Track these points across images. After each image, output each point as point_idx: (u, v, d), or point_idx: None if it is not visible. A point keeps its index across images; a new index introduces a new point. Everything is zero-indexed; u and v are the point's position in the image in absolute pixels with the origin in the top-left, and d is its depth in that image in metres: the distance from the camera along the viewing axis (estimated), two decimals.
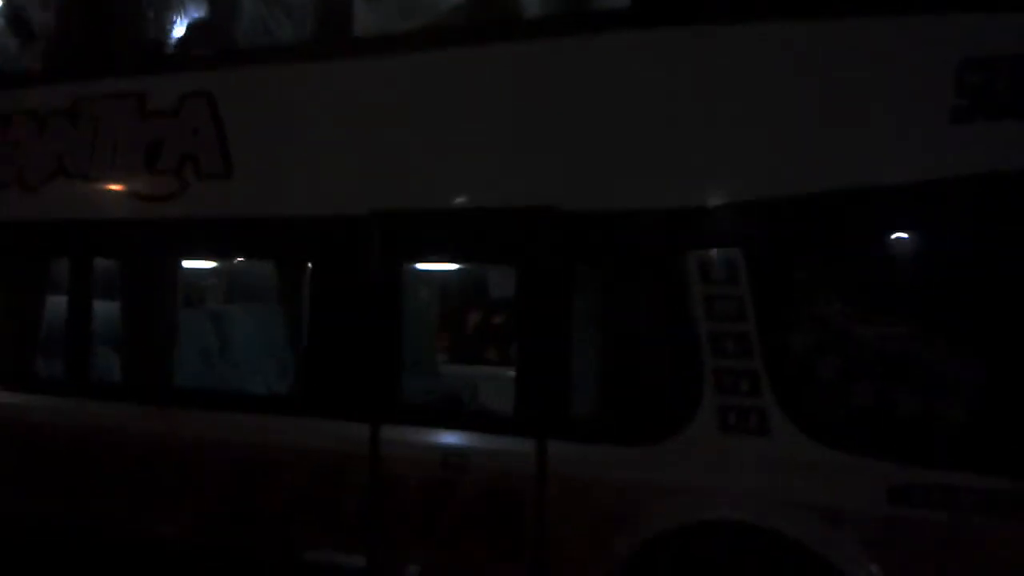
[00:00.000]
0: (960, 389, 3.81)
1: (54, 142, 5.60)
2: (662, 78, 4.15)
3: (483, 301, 4.85)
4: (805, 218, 3.90)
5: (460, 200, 4.51)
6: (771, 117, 3.97)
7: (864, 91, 3.85)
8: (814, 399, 3.88)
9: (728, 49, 4.05)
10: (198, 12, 5.60)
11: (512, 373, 4.44)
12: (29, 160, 5.68)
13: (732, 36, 4.04)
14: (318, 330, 4.84)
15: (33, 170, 5.66)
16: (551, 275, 4.30)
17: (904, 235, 3.93)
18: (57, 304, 5.77)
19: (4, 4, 6.03)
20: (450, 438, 4.49)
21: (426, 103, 4.59)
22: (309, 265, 4.89)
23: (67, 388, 5.50)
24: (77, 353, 5.49)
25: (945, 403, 3.82)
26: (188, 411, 5.14)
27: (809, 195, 3.88)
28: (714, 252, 4.00)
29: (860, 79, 3.85)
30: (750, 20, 4.01)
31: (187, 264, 5.74)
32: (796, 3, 3.96)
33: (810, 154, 3.91)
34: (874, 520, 3.71)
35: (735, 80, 4.04)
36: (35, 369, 5.81)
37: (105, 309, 5.77)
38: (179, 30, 5.54)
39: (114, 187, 5.41)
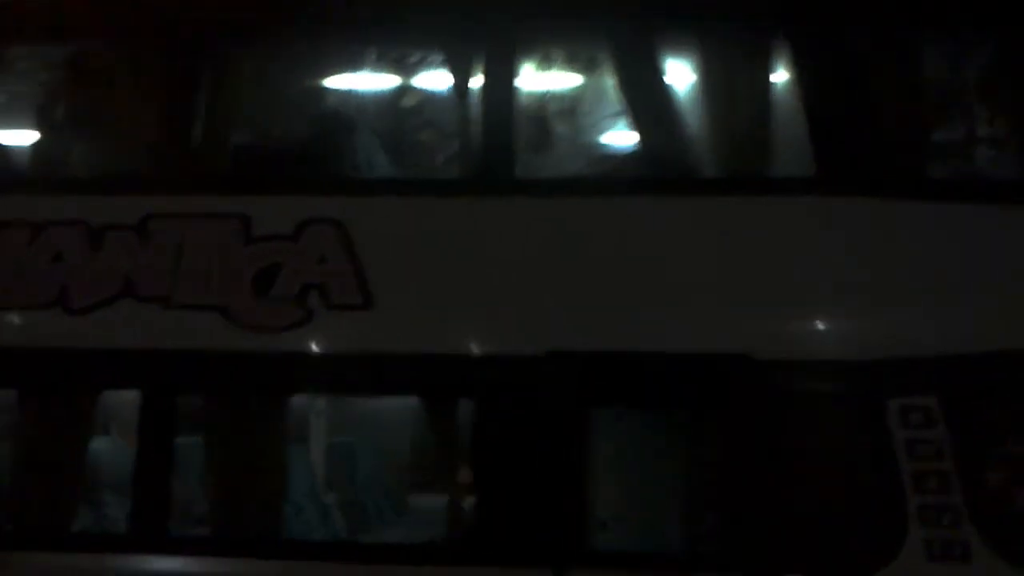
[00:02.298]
0: None
1: (115, 260, 4.99)
2: (861, 241, 4.67)
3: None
4: (993, 369, 4.58)
5: (648, 343, 4.70)
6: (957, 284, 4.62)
7: None
8: (1011, 527, 4.53)
9: (913, 221, 4.67)
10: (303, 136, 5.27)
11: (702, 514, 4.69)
12: (77, 279, 5.00)
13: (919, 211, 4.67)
14: (489, 472, 4.73)
15: (83, 291, 4.99)
16: (750, 421, 4.61)
17: None
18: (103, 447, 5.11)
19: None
20: None
21: (611, 245, 4.75)
22: (474, 404, 4.79)
23: (138, 544, 4.85)
24: (154, 503, 4.86)
25: None
26: (310, 565, 4.78)
27: (995, 351, 4.57)
28: (913, 399, 4.58)
29: None
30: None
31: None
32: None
33: (993, 316, 4.60)
34: None
35: (921, 250, 4.65)
36: (84, 524, 5.06)
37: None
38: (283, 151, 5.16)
39: (208, 315, 4.94)
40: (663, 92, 5.03)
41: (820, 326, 4.68)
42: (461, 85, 5.09)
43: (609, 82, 5.08)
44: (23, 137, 5.44)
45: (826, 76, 4.84)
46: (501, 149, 4.91)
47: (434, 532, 5.26)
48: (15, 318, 5.01)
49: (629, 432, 4.78)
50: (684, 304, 4.72)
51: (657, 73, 5.04)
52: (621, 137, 5.11)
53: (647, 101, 5.04)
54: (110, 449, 5.43)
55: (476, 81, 5.04)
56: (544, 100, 5.20)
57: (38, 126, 5.40)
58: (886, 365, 4.60)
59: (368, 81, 5.39)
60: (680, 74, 5.11)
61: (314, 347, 4.82)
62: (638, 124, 5.04)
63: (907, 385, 4.59)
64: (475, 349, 4.77)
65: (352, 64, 5.36)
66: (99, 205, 5.02)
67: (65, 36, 5.28)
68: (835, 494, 4.69)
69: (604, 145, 5.26)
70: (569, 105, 5.19)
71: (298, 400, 5.30)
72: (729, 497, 4.66)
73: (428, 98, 5.37)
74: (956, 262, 4.70)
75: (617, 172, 5.16)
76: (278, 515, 5.04)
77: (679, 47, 5.11)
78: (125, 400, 5.21)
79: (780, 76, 4.92)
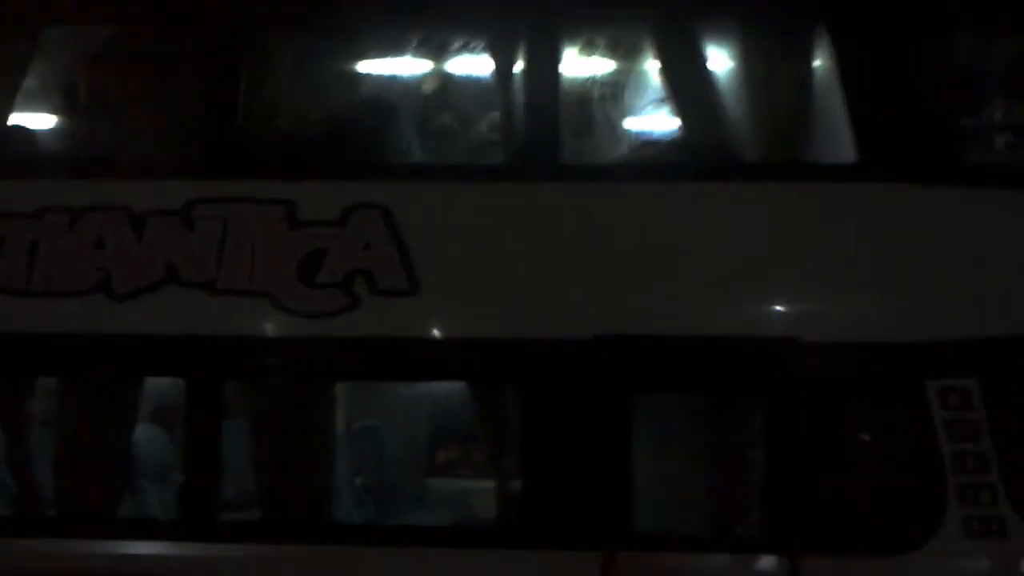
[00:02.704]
0: None
1: (157, 246, 4.98)
2: (901, 226, 4.77)
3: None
4: None
5: (694, 327, 4.78)
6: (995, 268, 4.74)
7: None
8: None
9: (951, 206, 4.78)
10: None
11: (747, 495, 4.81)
12: (120, 265, 4.99)
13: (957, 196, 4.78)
14: (536, 456, 4.80)
15: (127, 276, 4.98)
16: (796, 403, 4.71)
17: None
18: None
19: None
20: (692, 562, 4.72)
21: (656, 231, 4.83)
22: (521, 388, 4.86)
23: (186, 532, 4.88)
24: (202, 490, 4.89)
25: None
26: (359, 549, 4.83)
27: None
28: (952, 381, 4.71)
29: None
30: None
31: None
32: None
33: None
34: None
35: (959, 234, 4.76)
36: (126, 512, 5.10)
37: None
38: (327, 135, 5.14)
39: (253, 301, 4.94)
40: (705, 78, 5.10)
41: (862, 309, 4.80)
42: (505, 71, 5.13)
43: (652, 68, 5.17)
44: (62, 121, 5.43)
45: (866, 62, 4.97)
46: (546, 135, 4.95)
47: (483, 516, 5.31)
48: (56, 304, 5.00)
49: (675, 415, 4.89)
50: (730, 288, 4.81)
51: (699, 59, 5.12)
52: (665, 123, 5.19)
53: (689, 87, 5.11)
54: (153, 436, 5.45)
55: (520, 67, 5.08)
56: (588, 86, 5.28)
57: (77, 110, 5.38)
58: (926, 347, 4.75)
59: (411, 66, 5.42)
60: (722, 60, 5.20)
61: (361, 333, 4.89)
62: (680, 110, 5.12)
63: (946, 367, 4.75)
64: (521, 334, 4.83)
65: (395, 49, 5.38)
66: (142, 190, 5.05)
67: (105, 18, 5.26)
68: (877, 473, 4.85)
69: (648, 131, 5.32)
70: (613, 91, 5.25)
71: (341, 385, 5.33)
72: (774, 478, 4.78)
73: (471, 84, 5.39)
74: (993, 247, 4.83)
75: (661, 158, 5.20)
76: (327, 500, 5.07)
77: (720, 33, 5.19)
78: (165, 387, 5.28)
79: (821, 62, 5.04)
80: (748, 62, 5.14)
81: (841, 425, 4.82)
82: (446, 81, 5.49)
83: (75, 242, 5.00)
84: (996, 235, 4.81)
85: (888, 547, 4.67)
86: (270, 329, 4.94)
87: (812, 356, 4.71)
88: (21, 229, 5.04)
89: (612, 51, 5.26)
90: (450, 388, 5.45)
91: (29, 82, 5.28)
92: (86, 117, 5.36)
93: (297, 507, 5.02)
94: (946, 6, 5.00)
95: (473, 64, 5.34)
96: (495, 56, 5.22)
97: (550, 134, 4.96)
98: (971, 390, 4.72)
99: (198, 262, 4.94)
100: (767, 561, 4.66)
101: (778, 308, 4.80)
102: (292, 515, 5.02)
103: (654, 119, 5.22)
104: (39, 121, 5.48)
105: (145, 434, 5.32)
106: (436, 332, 4.88)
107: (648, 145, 5.28)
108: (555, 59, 5.01)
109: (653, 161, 5.19)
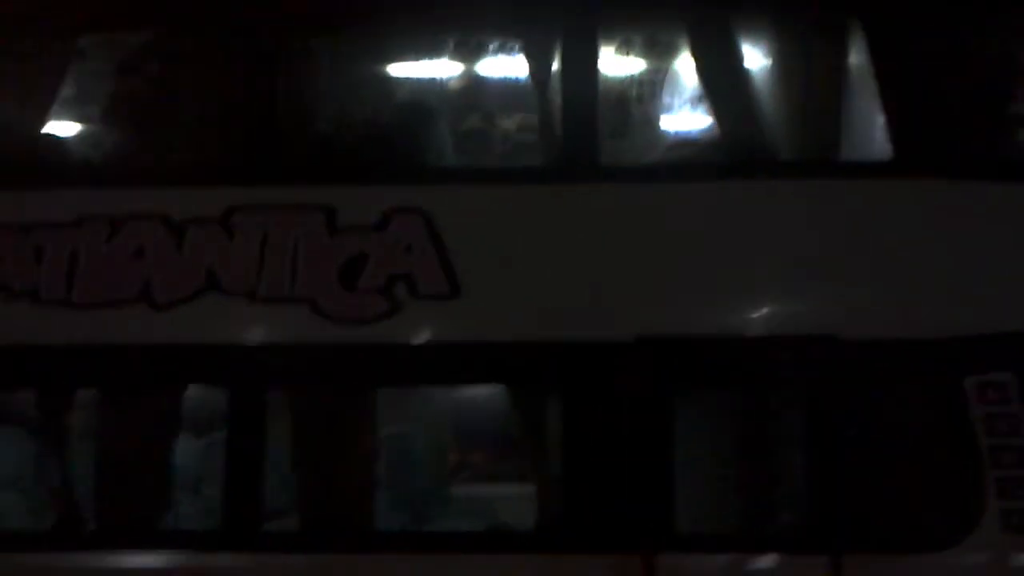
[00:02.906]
0: None
1: (198, 254, 5.00)
2: (936, 223, 4.80)
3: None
4: None
5: (735, 327, 4.83)
6: None
7: None
8: None
9: (986, 201, 4.81)
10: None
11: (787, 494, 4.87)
12: (160, 274, 5.01)
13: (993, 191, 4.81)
14: (577, 458, 4.86)
15: (168, 286, 5.00)
16: (835, 400, 4.77)
17: None
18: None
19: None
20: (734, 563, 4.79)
21: (694, 231, 4.86)
22: (563, 391, 4.90)
23: (235, 542, 4.89)
24: (249, 503, 4.91)
25: None
26: (400, 556, 4.88)
27: None
28: (990, 376, 4.75)
29: None
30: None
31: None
32: None
33: None
34: None
35: (992, 230, 4.79)
36: (169, 524, 5.17)
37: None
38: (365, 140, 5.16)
39: (295, 308, 4.97)
40: (741, 76, 5.11)
41: (900, 306, 4.83)
42: (542, 72, 5.14)
43: (688, 67, 5.18)
44: (99, 129, 5.43)
45: (901, 59, 4.98)
46: (584, 137, 4.96)
47: (523, 520, 5.29)
48: (97, 315, 5.04)
49: (716, 415, 4.94)
50: (769, 286, 4.87)
51: (734, 56, 5.12)
52: (702, 122, 5.21)
53: (725, 85, 5.12)
54: (193, 446, 5.49)
55: (557, 68, 5.09)
56: (626, 86, 5.29)
57: (115, 118, 5.37)
58: (964, 343, 4.80)
59: (448, 69, 5.42)
60: (758, 58, 5.20)
61: (403, 337, 4.93)
62: (716, 109, 5.13)
63: (984, 362, 4.81)
64: (563, 336, 4.86)
65: (432, 52, 5.39)
66: (180, 198, 5.06)
67: (141, 24, 5.24)
68: (918, 469, 4.89)
69: (685, 130, 5.35)
70: (650, 91, 5.28)
71: (381, 390, 5.37)
72: (815, 475, 4.85)
73: (508, 85, 5.39)
74: None
75: (698, 157, 5.23)
76: (371, 507, 5.12)
77: (755, 32, 5.20)
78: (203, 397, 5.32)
79: (856, 60, 5.05)
80: (783, 59, 5.19)
81: (880, 422, 4.91)
82: (483, 83, 5.51)
83: (115, 251, 5.07)
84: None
85: (929, 543, 4.77)
86: (313, 335, 4.97)
87: (850, 353, 4.81)
88: (60, 239, 5.12)
89: (649, 50, 5.29)
90: (487, 392, 5.53)
91: (66, 90, 5.28)
92: (123, 125, 5.36)
93: (341, 515, 5.07)
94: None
95: (510, 65, 5.35)
96: (531, 58, 5.21)
97: (588, 135, 4.99)
98: (1009, 384, 4.82)
99: (238, 270, 4.97)
100: (809, 560, 4.77)
101: (818, 306, 4.82)
102: (337, 524, 5.05)
103: (691, 118, 5.26)
104: (76, 129, 5.49)
105: (187, 444, 5.37)
106: (478, 335, 4.88)
107: (685, 144, 5.33)
108: (593, 60, 5.00)
109: (691, 160, 5.22)
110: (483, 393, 5.60)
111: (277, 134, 5.09)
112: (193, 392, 5.29)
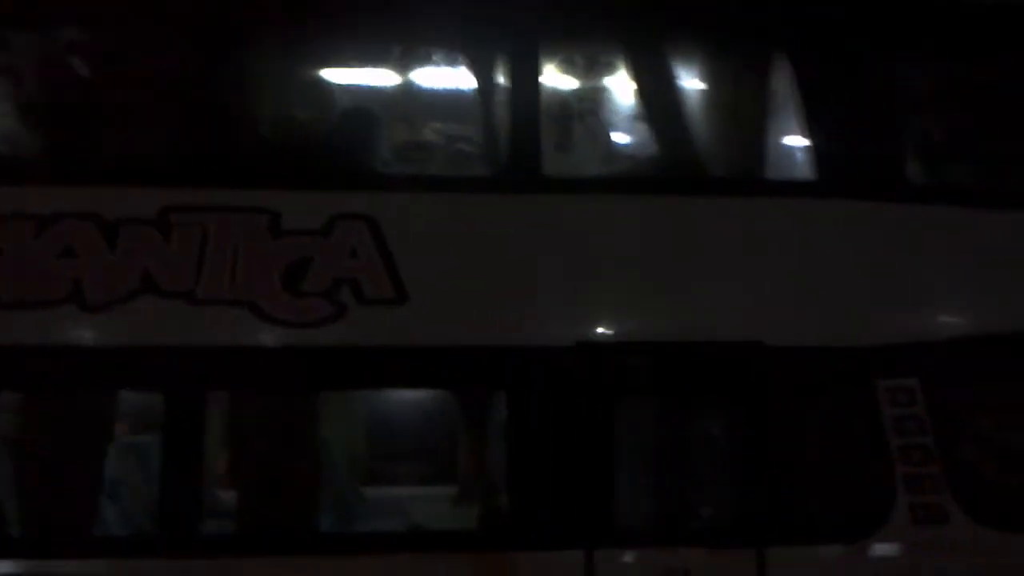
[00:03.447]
0: None
1: (132, 255, 4.85)
2: (855, 240, 5.18)
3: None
4: (964, 354, 5.19)
5: (672, 333, 5.05)
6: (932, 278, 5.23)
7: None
8: (980, 494, 5.17)
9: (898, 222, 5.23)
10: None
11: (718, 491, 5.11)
12: (91, 275, 4.82)
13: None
14: (521, 460, 4.96)
15: (100, 287, 4.82)
16: (760, 402, 5.08)
17: None
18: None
19: None
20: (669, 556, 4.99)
21: (632, 241, 5.09)
22: (506, 394, 5.01)
23: (167, 547, 4.76)
24: (183, 503, 4.79)
25: None
26: (346, 558, 4.86)
27: (966, 336, 5.20)
28: (898, 381, 5.14)
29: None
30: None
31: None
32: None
33: (964, 305, 5.23)
34: None
35: (907, 249, 5.21)
36: (99, 530, 4.95)
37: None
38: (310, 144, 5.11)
39: (236, 311, 4.88)
40: (674, 98, 5.41)
41: (821, 316, 5.19)
42: (487, 85, 5.29)
43: (627, 87, 5.42)
44: (30, 125, 5.16)
45: (823, 86, 5.38)
46: (527, 148, 5.14)
47: (469, 520, 5.34)
48: (25, 315, 4.82)
49: (650, 417, 5.16)
50: (702, 295, 5.14)
51: (668, 80, 5.41)
52: (640, 139, 5.45)
53: (659, 106, 5.41)
54: (127, 450, 5.30)
55: (502, 80, 5.26)
56: (568, 102, 5.48)
57: (47, 113, 5.13)
58: (876, 350, 5.20)
59: (392, 77, 5.47)
60: (691, 81, 5.50)
61: (348, 341, 4.92)
62: (652, 127, 5.41)
63: (894, 368, 5.22)
64: (505, 341, 4.96)
65: (378, 59, 5.43)
66: (115, 197, 4.90)
67: (80, 20, 5.08)
68: (836, 466, 5.27)
69: (624, 146, 5.59)
70: (591, 107, 5.48)
71: (323, 394, 5.34)
72: (741, 473, 5.14)
73: (455, 96, 5.48)
74: (932, 258, 5.33)
75: (636, 172, 5.48)
76: (313, 510, 5.07)
77: (688, 57, 5.50)
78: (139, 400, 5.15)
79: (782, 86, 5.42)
80: (714, 84, 5.52)
81: (801, 423, 5.24)
82: (429, 93, 5.57)
83: (43, 250, 4.88)
84: (936, 248, 5.34)
85: (846, 535, 5.09)
86: (254, 339, 4.90)
87: (775, 359, 5.12)
88: None
89: (589, 69, 5.51)
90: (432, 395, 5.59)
91: None
92: (56, 121, 5.13)
93: (282, 518, 5.00)
94: (892, 36, 5.49)
95: (456, 76, 5.45)
96: (476, 70, 5.36)
97: (532, 148, 5.17)
98: (915, 388, 5.25)
99: (175, 272, 4.85)
100: (737, 553, 5.03)
101: (747, 314, 5.11)
102: (277, 527, 4.98)
103: (630, 134, 5.50)
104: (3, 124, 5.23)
105: (121, 449, 5.19)
106: (424, 340, 4.95)
107: (624, 159, 5.57)
108: (536, 74, 5.19)
109: (629, 175, 5.47)
110: (426, 396, 5.68)
111: (217, 135, 5.01)
112: (124, 396, 5.14)
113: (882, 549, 5.11)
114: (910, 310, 5.27)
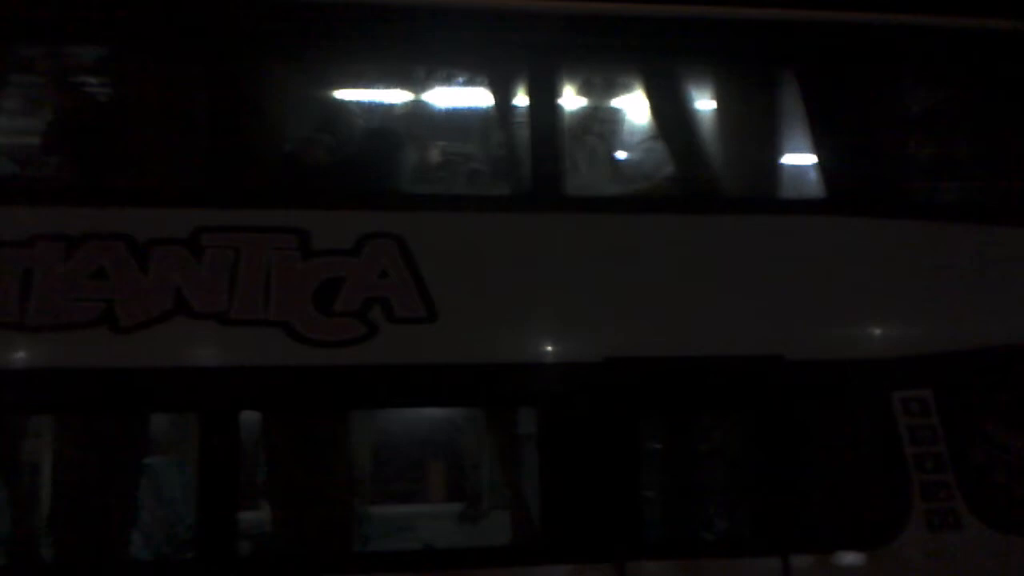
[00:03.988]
0: None
1: (164, 276, 4.87)
2: (866, 256, 5.36)
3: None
4: (974, 365, 5.39)
5: (693, 348, 5.18)
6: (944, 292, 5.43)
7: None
8: (991, 499, 5.36)
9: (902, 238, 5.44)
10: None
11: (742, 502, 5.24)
12: (123, 296, 4.83)
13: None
14: (551, 475, 5.04)
15: (132, 308, 4.83)
16: (780, 416, 5.24)
17: None
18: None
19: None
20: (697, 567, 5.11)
21: (657, 258, 5.23)
22: (536, 410, 5.09)
23: (202, 570, 4.78)
24: (219, 527, 4.78)
25: None
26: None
27: (976, 348, 5.39)
28: (912, 392, 5.33)
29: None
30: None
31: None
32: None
33: (973, 318, 5.43)
34: None
35: (911, 263, 5.41)
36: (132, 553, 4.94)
37: None
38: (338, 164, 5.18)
39: (269, 331, 4.91)
40: (688, 118, 5.58)
41: (838, 330, 5.39)
42: (509, 105, 5.43)
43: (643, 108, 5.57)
44: (60, 146, 5.15)
45: (830, 108, 5.57)
46: (550, 167, 5.26)
47: (502, 536, 5.45)
48: (56, 337, 4.82)
49: (677, 430, 5.28)
50: (725, 312, 5.30)
51: (683, 101, 5.59)
52: (658, 159, 5.61)
53: (674, 127, 5.58)
54: (162, 471, 5.28)
55: (524, 102, 5.37)
56: (589, 122, 5.62)
57: (77, 134, 5.14)
58: (891, 363, 5.40)
59: (418, 98, 5.56)
60: (705, 103, 5.68)
61: (380, 361, 4.98)
62: (668, 148, 5.58)
63: (908, 380, 5.42)
64: (535, 358, 5.09)
65: (402, 82, 5.52)
66: (146, 218, 4.93)
67: (110, 41, 5.09)
68: (855, 475, 5.43)
69: (644, 166, 5.73)
70: (611, 127, 5.62)
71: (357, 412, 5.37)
72: (764, 484, 5.29)
73: (478, 116, 5.59)
74: (940, 273, 5.53)
75: (656, 191, 5.66)
76: (349, 529, 5.14)
77: (701, 80, 5.70)
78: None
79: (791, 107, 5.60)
80: (725, 105, 5.70)
81: (821, 434, 5.40)
82: (454, 113, 5.69)
83: (73, 273, 4.87)
84: (943, 263, 5.56)
85: (867, 542, 5.25)
86: (286, 358, 4.93)
87: (795, 372, 5.30)
88: (11, 259, 4.87)
89: (608, 91, 5.67)
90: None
91: (24, 104, 5.05)
92: (85, 142, 5.15)
93: (316, 538, 5.05)
94: (899, 58, 5.72)
95: (480, 97, 5.58)
96: (499, 93, 5.50)
97: (554, 167, 5.30)
98: (928, 399, 5.44)
99: (208, 293, 4.88)
100: (763, 562, 5.18)
101: (768, 330, 5.28)
102: (311, 547, 5.03)
103: (648, 155, 5.65)
104: (34, 145, 5.22)
105: (153, 471, 5.17)
106: (454, 358, 5.02)
107: (645, 178, 5.72)
108: (556, 97, 5.34)
109: (649, 194, 5.65)
110: (456, 413, 5.74)
111: (246, 156, 5.09)
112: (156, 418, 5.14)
113: (900, 555, 5.29)
114: (923, 323, 5.51)
